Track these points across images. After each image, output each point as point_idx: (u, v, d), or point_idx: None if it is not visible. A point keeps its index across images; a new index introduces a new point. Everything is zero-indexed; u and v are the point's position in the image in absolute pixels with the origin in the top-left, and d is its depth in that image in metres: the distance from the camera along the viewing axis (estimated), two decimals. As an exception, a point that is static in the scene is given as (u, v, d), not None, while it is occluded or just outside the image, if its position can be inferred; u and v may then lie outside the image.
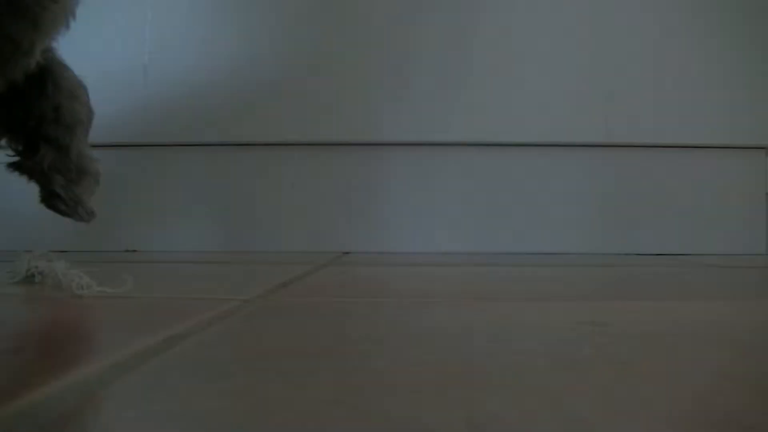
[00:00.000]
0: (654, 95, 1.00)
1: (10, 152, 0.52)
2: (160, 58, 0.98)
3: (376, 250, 0.98)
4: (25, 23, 0.38)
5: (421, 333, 0.34)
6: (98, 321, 0.39)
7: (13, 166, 0.52)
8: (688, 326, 0.37)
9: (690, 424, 0.20)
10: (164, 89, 0.97)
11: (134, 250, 0.99)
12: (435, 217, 1.00)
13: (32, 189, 0.53)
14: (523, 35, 0.99)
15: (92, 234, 0.99)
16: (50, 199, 0.52)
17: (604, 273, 0.73)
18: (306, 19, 1.00)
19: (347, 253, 0.97)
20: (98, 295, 0.45)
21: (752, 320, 0.42)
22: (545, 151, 1.00)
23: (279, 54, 0.99)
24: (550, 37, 0.99)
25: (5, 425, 0.19)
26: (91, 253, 0.94)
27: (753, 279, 0.69)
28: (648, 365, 0.27)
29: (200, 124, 0.98)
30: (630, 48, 1.00)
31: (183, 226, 1.00)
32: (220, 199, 1.01)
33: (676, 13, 1.01)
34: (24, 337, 0.34)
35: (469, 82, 0.98)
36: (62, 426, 0.19)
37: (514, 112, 0.98)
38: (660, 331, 0.35)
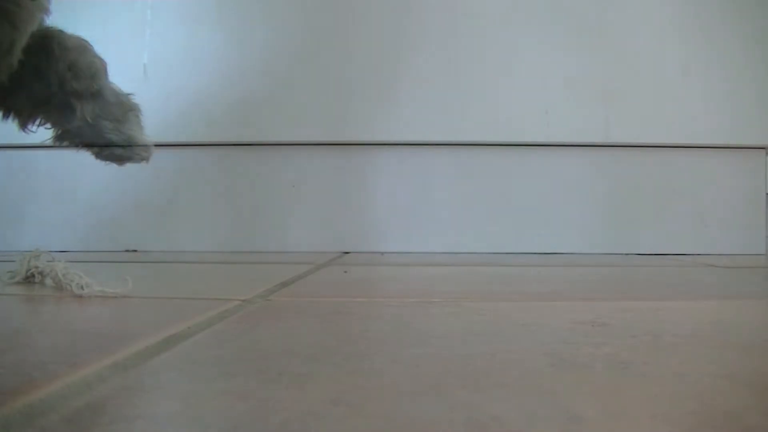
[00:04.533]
0: (654, 95, 1.00)
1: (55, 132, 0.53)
2: (160, 58, 0.98)
3: (376, 250, 0.98)
4: (1, 23, 0.38)
5: (421, 333, 0.34)
6: (98, 321, 0.39)
7: (62, 137, 0.53)
8: (688, 326, 0.37)
9: (690, 424, 0.19)
10: (164, 89, 0.97)
11: (134, 250, 0.99)
12: (435, 217, 1.00)
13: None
14: (523, 35, 0.99)
15: (92, 234, 0.99)
16: (105, 150, 0.52)
17: (604, 273, 0.73)
18: (304, 21, 1.00)
19: (347, 253, 0.97)
20: (98, 295, 0.45)
21: (752, 320, 0.42)
22: (545, 151, 1.00)
23: (279, 55, 0.99)
24: (550, 36, 0.99)
25: (5, 425, 0.19)
26: (91, 253, 0.94)
27: (753, 279, 0.69)
28: (648, 365, 0.27)
29: (200, 125, 0.98)
30: (630, 48, 1.00)
31: (183, 226, 1.00)
32: (221, 199, 1.01)
33: (676, 13, 1.01)
34: (24, 336, 0.34)
35: (468, 82, 0.98)
36: (62, 426, 0.19)
37: (515, 112, 0.98)
38: (660, 331, 0.35)
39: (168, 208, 1.00)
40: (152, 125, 0.81)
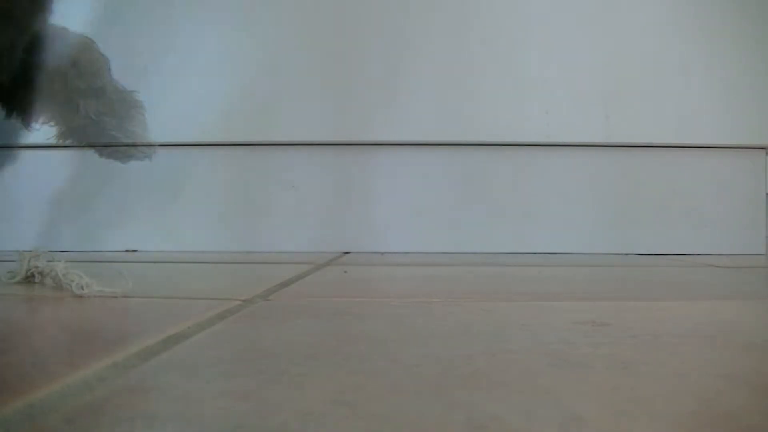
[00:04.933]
0: (654, 95, 1.00)
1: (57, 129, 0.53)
2: (161, 58, 0.98)
3: (376, 250, 0.98)
4: (2, 24, 0.38)
5: (421, 333, 0.34)
6: (98, 321, 0.39)
7: (65, 135, 0.53)
8: (688, 326, 0.37)
9: (690, 424, 0.19)
10: (164, 89, 0.96)
11: (134, 250, 0.99)
12: (435, 217, 1.00)
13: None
14: (523, 35, 0.99)
15: (92, 234, 0.99)
16: (108, 147, 0.53)
17: (604, 273, 0.73)
18: (304, 21, 1.00)
19: (347, 253, 0.97)
20: (98, 295, 0.45)
21: (752, 320, 0.42)
22: (545, 151, 1.00)
23: (279, 55, 0.99)
24: (550, 36, 0.99)
25: (5, 425, 0.19)
26: (91, 253, 0.94)
27: (753, 279, 0.69)
28: (648, 365, 0.27)
29: (200, 125, 0.98)
30: (630, 48, 1.00)
31: (183, 226, 1.00)
32: (221, 199, 1.01)
33: (676, 13, 1.00)
34: (23, 336, 0.34)
35: (468, 83, 0.98)
36: (62, 426, 0.19)
37: (515, 112, 0.98)
38: (660, 331, 0.35)
39: (168, 208, 1.00)
40: (152, 125, 0.81)
